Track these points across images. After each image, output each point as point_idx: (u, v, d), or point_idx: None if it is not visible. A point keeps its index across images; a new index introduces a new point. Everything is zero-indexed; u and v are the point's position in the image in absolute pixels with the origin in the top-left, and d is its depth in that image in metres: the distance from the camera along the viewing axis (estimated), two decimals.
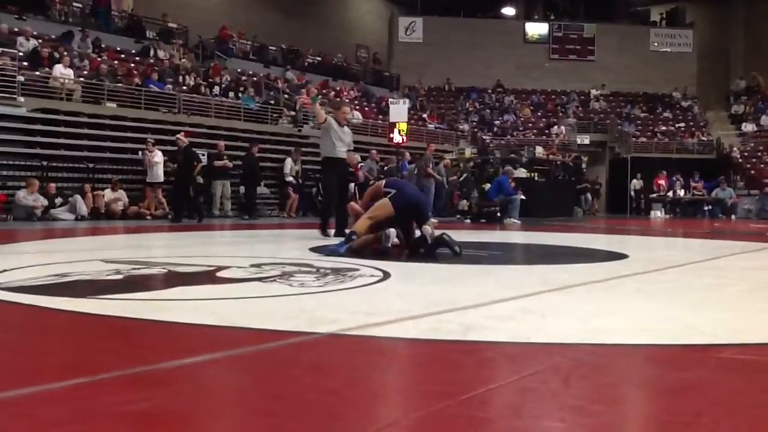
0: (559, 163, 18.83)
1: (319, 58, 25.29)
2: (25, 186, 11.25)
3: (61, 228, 9.57)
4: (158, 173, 12.81)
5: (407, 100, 17.04)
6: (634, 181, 21.90)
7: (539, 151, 19.13)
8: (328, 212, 7.86)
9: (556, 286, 3.74)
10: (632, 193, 21.93)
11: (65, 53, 14.55)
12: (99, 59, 16.15)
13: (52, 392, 1.67)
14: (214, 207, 14.06)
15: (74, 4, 19.34)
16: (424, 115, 24.43)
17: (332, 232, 7.42)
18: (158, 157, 12.77)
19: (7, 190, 11.41)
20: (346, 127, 7.81)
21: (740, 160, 22.82)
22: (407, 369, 2.13)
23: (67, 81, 13.98)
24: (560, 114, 26.94)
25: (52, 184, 11.88)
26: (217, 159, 13.88)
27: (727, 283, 4.16)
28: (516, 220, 13.18)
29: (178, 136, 12.27)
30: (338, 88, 23.49)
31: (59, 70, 13.88)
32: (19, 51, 14.25)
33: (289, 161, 15.06)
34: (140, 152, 13.31)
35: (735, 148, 23.12)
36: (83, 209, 11.76)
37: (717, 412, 1.65)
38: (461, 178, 16.93)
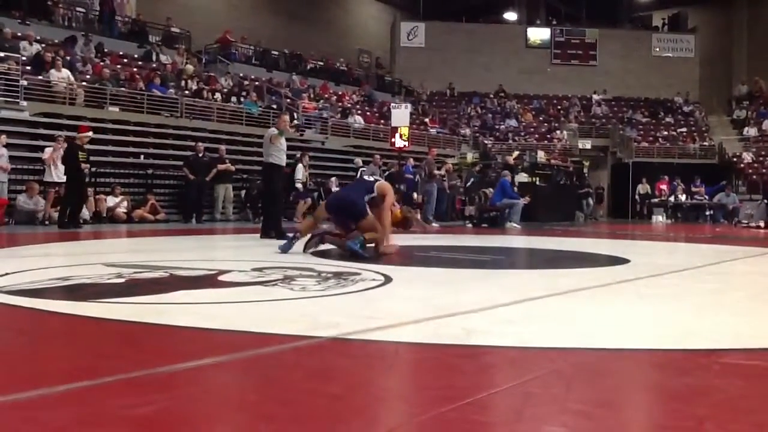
0: (560, 167, 18.81)
1: (322, 63, 25.34)
2: (24, 191, 11.27)
3: (63, 232, 9.57)
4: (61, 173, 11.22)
5: (409, 105, 17.02)
6: (639, 185, 21.83)
7: (541, 155, 19.12)
8: (276, 216, 8.39)
9: (558, 291, 3.73)
10: (637, 198, 21.88)
11: (58, 59, 14.45)
12: (102, 64, 16.19)
13: (56, 396, 1.67)
14: (215, 211, 14.07)
15: (77, 9, 19.41)
16: (426, 120, 24.45)
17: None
18: None
19: (10, 194, 11.41)
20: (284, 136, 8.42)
21: (742, 166, 22.80)
22: (409, 373, 2.12)
23: (67, 84, 14.00)
24: (562, 119, 26.93)
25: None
26: (219, 163, 13.89)
27: (730, 288, 4.15)
28: (516, 225, 13.16)
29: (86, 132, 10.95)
30: (340, 93, 23.52)
31: (54, 75, 13.91)
32: (23, 55, 14.29)
33: (300, 167, 14.94)
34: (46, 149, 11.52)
35: (744, 155, 22.98)
36: (85, 213, 11.75)
37: (720, 417, 1.65)
38: (468, 183, 16.88)
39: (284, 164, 8.56)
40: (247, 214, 14.42)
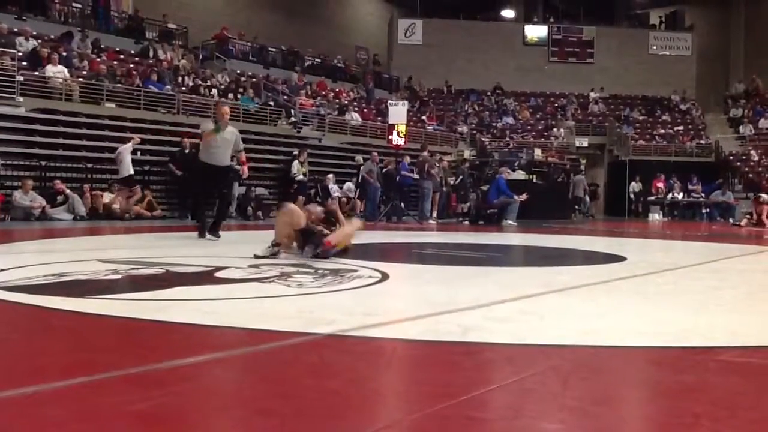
0: (557, 165, 18.83)
1: (319, 60, 25.31)
2: (20, 187, 11.25)
3: (59, 228, 9.55)
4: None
5: (406, 102, 16.99)
6: (633, 183, 21.89)
7: (538, 153, 19.12)
8: (199, 215, 8.08)
9: (554, 288, 3.74)
10: (631, 196, 21.92)
11: (54, 55, 14.36)
12: (98, 60, 16.13)
13: (53, 392, 1.67)
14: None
15: (74, 4, 19.33)
16: (424, 117, 24.43)
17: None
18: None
19: (6, 190, 11.38)
20: (228, 128, 7.36)
21: (738, 164, 22.83)
22: (406, 370, 2.13)
23: (63, 80, 13.95)
24: (559, 116, 26.94)
25: (59, 182, 11.87)
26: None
27: (726, 286, 4.16)
28: (512, 222, 13.15)
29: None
30: (338, 90, 23.49)
31: (50, 71, 13.85)
32: (19, 51, 14.23)
33: (296, 164, 14.92)
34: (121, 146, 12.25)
35: (752, 152, 22.90)
36: (81, 209, 11.73)
37: (716, 414, 1.65)
38: (458, 181, 16.90)
39: (221, 164, 7.35)
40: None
